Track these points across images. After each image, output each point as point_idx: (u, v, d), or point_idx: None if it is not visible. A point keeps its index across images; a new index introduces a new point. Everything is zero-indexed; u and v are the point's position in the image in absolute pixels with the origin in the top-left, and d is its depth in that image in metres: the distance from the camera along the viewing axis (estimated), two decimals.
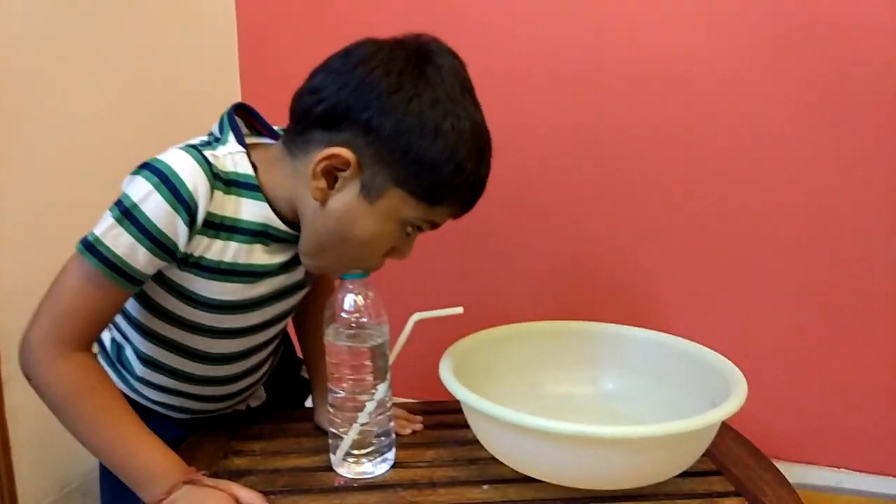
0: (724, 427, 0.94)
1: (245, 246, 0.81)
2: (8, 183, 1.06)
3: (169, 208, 0.74)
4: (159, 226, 0.75)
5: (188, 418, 0.98)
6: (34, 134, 1.10)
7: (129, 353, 0.91)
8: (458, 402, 0.84)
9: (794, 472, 1.23)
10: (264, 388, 1.07)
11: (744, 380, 0.83)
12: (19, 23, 1.07)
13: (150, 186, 0.74)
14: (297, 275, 0.88)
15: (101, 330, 0.80)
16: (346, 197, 0.78)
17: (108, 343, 0.94)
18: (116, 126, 1.22)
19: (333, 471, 0.87)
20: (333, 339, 0.85)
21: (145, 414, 0.93)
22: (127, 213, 0.75)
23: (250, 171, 0.81)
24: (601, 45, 1.25)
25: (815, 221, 1.20)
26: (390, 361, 0.87)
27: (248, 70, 1.48)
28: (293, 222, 0.83)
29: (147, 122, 1.26)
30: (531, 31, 1.28)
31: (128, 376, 0.92)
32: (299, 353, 1.09)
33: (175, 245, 0.76)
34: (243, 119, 0.88)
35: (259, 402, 1.06)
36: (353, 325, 0.83)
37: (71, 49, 1.15)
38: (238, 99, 1.45)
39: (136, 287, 0.78)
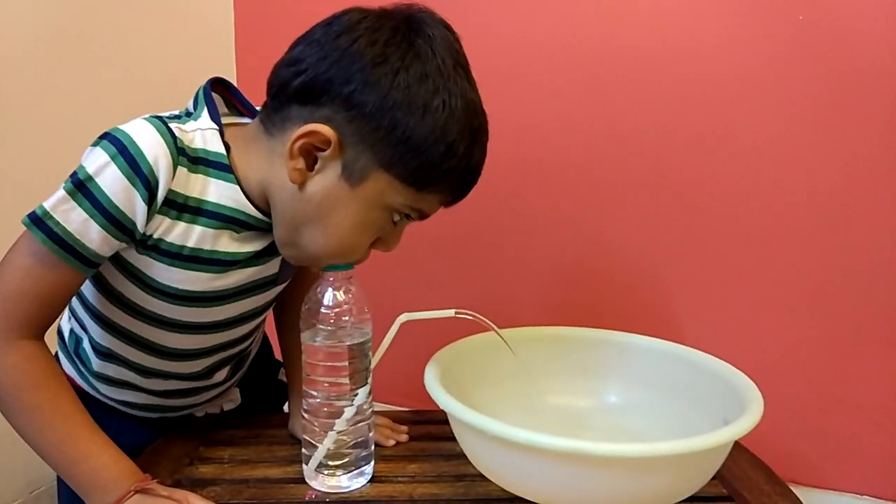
0: (738, 447, 0.87)
1: (211, 231, 0.74)
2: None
3: (126, 182, 0.68)
4: (115, 201, 0.68)
5: (155, 418, 0.91)
6: (22, 123, 1.07)
7: (86, 345, 0.84)
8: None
9: (814, 499, 1.16)
10: (240, 391, 1.00)
11: (760, 396, 0.76)
12: (16, 15, 1.04)
13: (106, 157, 0.68)
14: (270, 268, 0.82)
15: (55, 316, 0.73)
16: (326, 180, 0.72)
17: (66, 334, 0.87)
18: (107, 113, 1.17)
19: (306, 483, 0.80)
20: (310, 339, 0.78)
21: (109, 413, 0.88)
22: (80, 186, 0.68)
23: (222, 150, 0.74)
24: (610, 39, 1.20)
25: (842, 230, 1.13)
26: (372, 365, 0.80)
27: (244, 59, 1.43)
28: (266, 209, 0.76)
29: (137, 109, 1.23)
30: (537, 23, 1.23)
31: (85, 371, 0.86)
32: (278, 356, 1.03)
33: (133, 224, 0.70)
34: (222, 96, 0.81)
35: (233, 406, 0.99)
36: (332, 320, 0.76)
37: (65, 41, 1.13)
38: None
39: (91, 269, 0.72)
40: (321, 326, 0.77)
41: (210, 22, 1.43)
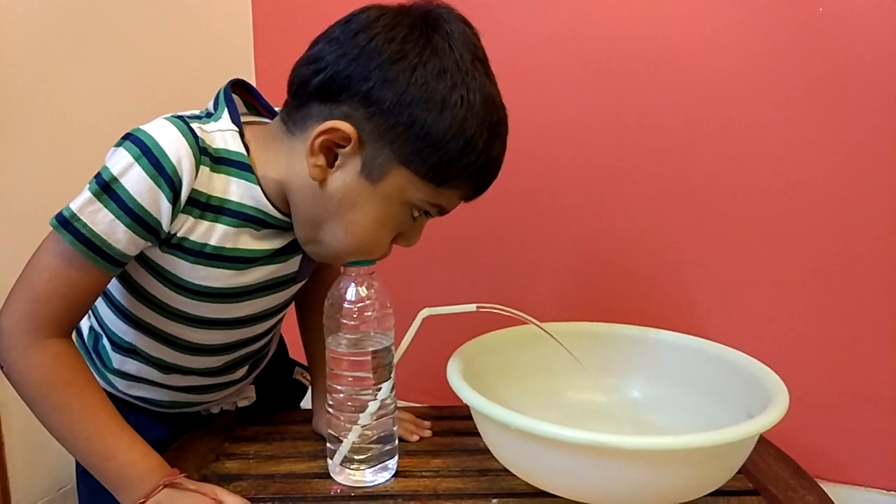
0: (763, 442, 0.86)
1: (232, 230, 0.75)
2: (8, 174, 1.02)
3: (151, 182, 0.69)
4: (140, 202, 0.69)
5: (172, 413, 0.92)
6: (33, 118, 1.07)
7: (105, 341, 0.86)
8: (469, 407, 0.77)
9: (839, 494, 1.13)
10: (255, 388, 1.01)
11: (785, 390, 0.76)
12: (29, 10, 1.04)
13: (130, 158, 0.69)
14: (290, 266, 0.82)
15: (82, 314, 0.74)
16: (347, 176, 0.72)
17: (86, 332, 0.89)
18: (125, 115, 1.18)
19: (330, 478, 0.81)
20: (334, 345, 0.79)
21: (126, 410, 0.88)
22: (106, 188, 0.69)
23: (242, 150, 0.75)
24: (630, 33, 1.19)
25: (868, 224, 1.11)
26: (395, 360, 0.81)
27: (262, 51, 1.45)
28: (284, 208, 0.77)
29: (155, 110, 1.23)
30: (556, 18, 1.23)
31: (103, 368, 0.87)
32: (293, 354, 1.03)
33: (158, 223, 0.71)
34: (242, 97, 0.82)
35: (248, 403, 1.00)
36: (355, 315, 0.77)
37: (79, 36, 1.13)
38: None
39: (117, 269, 0.73)
40: (344, 321, 0.77)
41: (228, 20, 1.43)
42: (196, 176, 0.71)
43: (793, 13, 1.09)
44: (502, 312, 0.80)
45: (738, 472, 0.76)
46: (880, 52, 1.06)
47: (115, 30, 1.18)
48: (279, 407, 1.03)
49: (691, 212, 1.20)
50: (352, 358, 0.78)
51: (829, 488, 0.80)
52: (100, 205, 0.69)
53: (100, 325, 0.86)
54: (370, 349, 0.78)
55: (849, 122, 1.09)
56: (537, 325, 0.84)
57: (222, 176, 0.74)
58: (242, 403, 0.99)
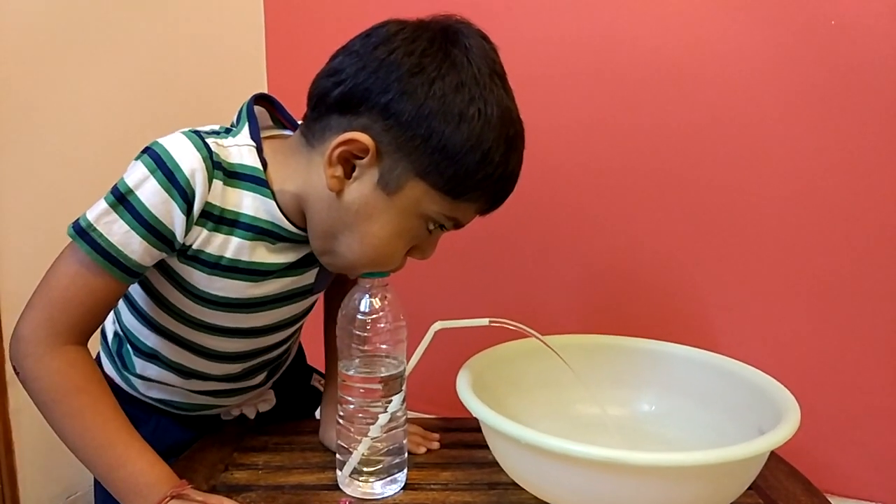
0: (774, 458, 0.86)
1: (247, 243, 0.76)
2: (13, 178, 1.03)
3: (164, 194, 0.70)
4: (155, 213, 0.70)
5: (193, 416, 0.93)
6: (44, 126, 1.08)
7: (128, 346, 0.87)
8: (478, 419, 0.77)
9: None
10: (274, 394, 1.01)
11: (796, 405, 0.76)
12: (35, 9, 1.05)
13: (146, 171, 0.70)
14: (306, 278, 0.83)
15: (98, 323, 0.75)
16: (364, 188, 0.73)
17: (110, 336, 0.90)
18: (132, 119, 1.19)
19: (340, 490, 0.81)
20: (345, 369, 0.79)
21: (147, 412, 0.90)
22: (122, 199, 0.70)
23: (257, 165, 0.76)
24: (641, 43, 1.19)
25: (882, 240, 1.11)
26: (407, 372, 0.81)
27: (275, 62, 1.45)
28: (300, 222, 0.78)
29: (166, 116, 1.24)
30: (560, 27, 1.23)
31: (126, 372, 0.88)
32: (311, 361, 1.04)
33: (173, 234, 0.72)
34: (267, 110, 0.83)
35: (269, 407, 1.00)
36: (368, 327, 0.77)
37: (85, 37, 1.13)
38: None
39: (133, 279, 0.74)
40: (357, 332, 0.77)
41: (240, 29, 1.44)
42: (209, 189, 0.72)
43: (801, 22, 1.10)
44: (515, 327, 0.80)
45: (749, 488, 0.76)
46: (890, 62, 1.06)
47: (126, 37, 1.19)
48: (297, 413, 1.03)
49: (704, 225, 1.20)
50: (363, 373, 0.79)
51: (838, 503, 0.80)
52: (115, 216, 0.70)
53: (123, 330, 0.87)
54: (381, 374, 0.78)
55: (869, 132, 1.09)
56: (545, 343, 0.84)
57: (236, 190, 0.75)
58: (263, 407, 1.00)
